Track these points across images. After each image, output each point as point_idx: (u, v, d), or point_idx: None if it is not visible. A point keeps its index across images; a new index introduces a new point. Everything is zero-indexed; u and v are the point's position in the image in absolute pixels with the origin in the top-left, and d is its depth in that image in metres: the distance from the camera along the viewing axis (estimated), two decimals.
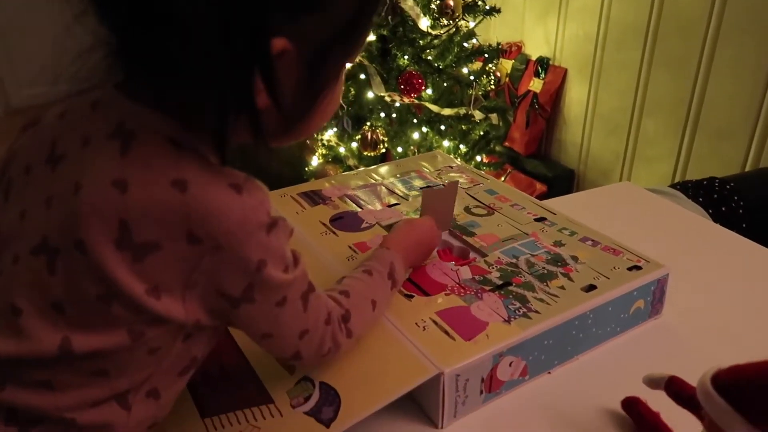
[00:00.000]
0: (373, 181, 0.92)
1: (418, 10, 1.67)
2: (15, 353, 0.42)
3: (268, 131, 0.44)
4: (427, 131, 1.87)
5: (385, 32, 1.74)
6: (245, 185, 0.42)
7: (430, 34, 1.69)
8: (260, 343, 0.50)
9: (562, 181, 2.00)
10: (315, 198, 0.86)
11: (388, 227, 0.79)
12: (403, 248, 0.66)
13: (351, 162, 1.88)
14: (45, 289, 0.42)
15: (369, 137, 1.75)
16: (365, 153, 1.79)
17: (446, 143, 1.86)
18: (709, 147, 1.55)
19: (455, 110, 1.83)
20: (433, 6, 1.66)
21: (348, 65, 0.54)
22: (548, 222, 0.79)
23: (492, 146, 1.97)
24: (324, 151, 1.94)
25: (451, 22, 1.68)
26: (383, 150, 1.79)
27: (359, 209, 0.83)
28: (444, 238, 0.76)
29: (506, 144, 2.17)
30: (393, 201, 0.85)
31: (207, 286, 0.43)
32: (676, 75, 1.59)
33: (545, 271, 0.68)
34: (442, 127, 1.89)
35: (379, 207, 0.83)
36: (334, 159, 1.92)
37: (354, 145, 1.88)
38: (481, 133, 1.95)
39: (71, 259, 0.41)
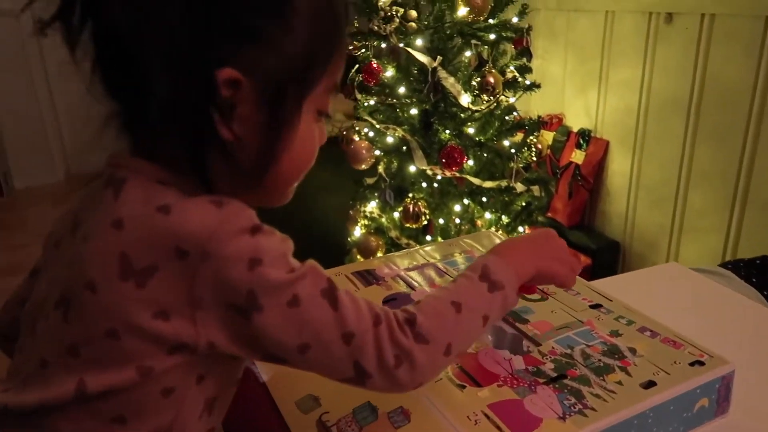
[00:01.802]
0: (425, 261, 0.92)
1: (459, 87, 1.71)
2: (38, 401, 0.45)
3: (245, 168, 0.47)
4: (469, 203, 1.88)
5: (427, 107, 1.79)
6: (225, 200, 0.45)
7: (470, 109, 1.73)
8: (306, 362, 0.46)
9: (606, 252, 1.97)
10: (368, 278, 0.87)
11: None
12: (505, 248, 0.59)
13: (393, 233, 1.89)
14: (62, 336, 0.46)
15: (411, 209, 1.77)
16: (407, 225, 1.80)
17: (488, 215, 1.86)
18: (761, 221, 1.52)
19: (497, 183, 1.84)
20: (473, 83, 1.70)
21: (322, 110, 0.51)
22: (604, 309, 0.78)
23: (534, 217, 1.96)
24: (366, 222, 1.96)
25: (491, 98, 1.72)
26: (425, 222, 1.80)
27: (412, 291, 0.83)
28: (497, 325, 0.75)
29: (549, 215, 2.16)
30: (445, 281, 0.85)
31: (214, 301, 0.43)
32: (721, 147, 1.57)
33: (602, 364, 0.67)
34: (484, 199, 1.90)
35: (432, 288, 0.83)
36: (376, 230, 1.94)
37: (396, 215, 1.90)
38: (523, 204, 1.95)
39: (83, 301, 0.45)
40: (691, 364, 0.66)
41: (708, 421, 0.67)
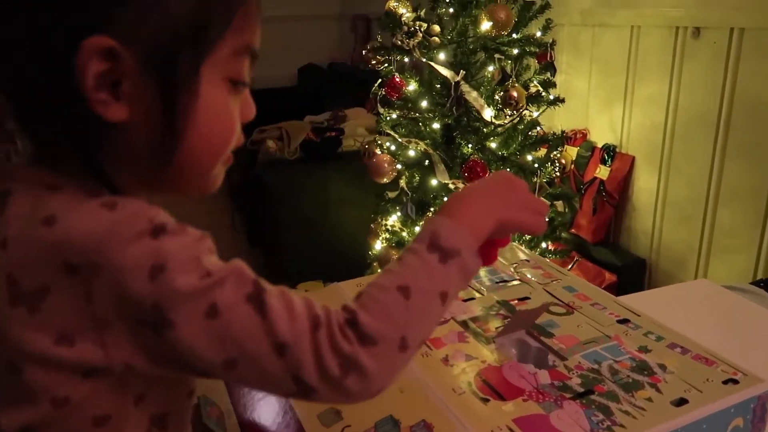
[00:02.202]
0: None
1: (482, 101, 1.71)
2: None
3: (146, 153, 0.42)
4: None
5: (449, 121, 1.79)
6: (121, 201, 0.39)
7: (493, 123, 1.72)
8: (238, 378, 0.40)
9: (632, 270, 1.93)
10: None
11: (463, 323, 0.77)
12: (455, 205, 0.50)
13: None
14: None
15: None
16: None
17: None
18: None
19: None
20: (497, 97, 1.70)
21: (235, 78, 0.44)
22: (632, 324, 0.76)
23: (558, 233, 1.93)
24: (387, 236, 1.96)
25: (515, 112, 1.71)
26: None
27: None
28: (521, 338, 0.74)
29: (572, 231, 2.13)
30: (472, 294, 0.84)
31: (120, 320, 0.38)
32: (751, 164, 1.54)
33: (630, 380, 0.65)
34: None
35: (454, 301, 0.82)
36: (397, 243, 1.93)
37: (417, 230, 1.89)
38: (546, 219, 1.93)
39: None
40: (725, 382, 0.64)
41: None
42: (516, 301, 0.83)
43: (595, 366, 0.67)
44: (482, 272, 0.92)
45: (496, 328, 0.76)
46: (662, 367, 0.67)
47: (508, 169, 1.85)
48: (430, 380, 0.66)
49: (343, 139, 2.57)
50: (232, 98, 0.45)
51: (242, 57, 0.44)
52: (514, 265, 0.95)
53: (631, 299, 0.93)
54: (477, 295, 0.84)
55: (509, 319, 0.78)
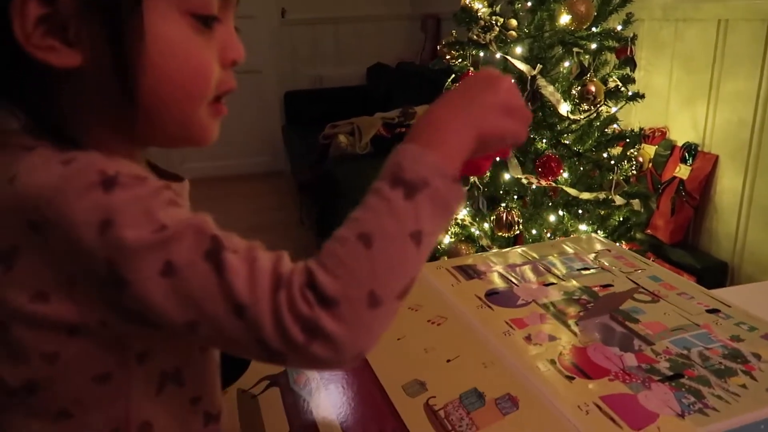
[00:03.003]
0: (529, 259, 0.92)
1: (558, 95, 1.69)
2: None
3: (109, 97, 0.40)
4: (564, 215, 1.84)
5: None
6: (79, 156, 0.38)
7: (569, 118, 1.70)
8: (204, 341, 0.39)
9: (712, 273, 1.85)
10: (470, 272, 0.87)
11: (544, 306, 0.78)
12: (424, 124, 0.44)
13: (484, 242, 1.88)
14: None
15: (504, 218, 1.75)
16: (499, 234, 1.79)
17: (583, 227, 1.81)
18: None
19: (594, 194, 1.79)
20: (574, 92, 1.67)
21: (197, 11, 0.41)
22: (722, 315, 0.74)
23: (633, 233, 1.88)
24: (457, 230, 1.96)
25: (592, 107, 1.68)
26: (517, 231, 1.78)
27: (515, 285, 0.83)
28: (605, 322, 0.73)
29: (648, 231, 2.06)
30: (551, 280, 0.84)
31: (83, 275, 0.37)
32: None
33: (722, 367, 0.64)
34: (579, 211, 1.85)
35: (535, 285, 0.83)
36: (467, 238, 1.93)
37: (486, 225, 1.89)
38: (621, 218, 1.88)
39: None
40: None
41: None
42: (598, 288, 0.82)
43: (684, 351, 0.66)
44: (560, 259, 0.92)
45: (579, 311, 0.76)
46: (756, 356, 0.65)
47: (582, 165, 1.82)
48: (513, 357, 0.67)
49: None
50: (199, 35, 0.42)
51: None
52: (594, 254, 0.94)
53: (717, 292, 0.91)
54: (558, 281, 0.84)
55: (593, 303, 0.77)
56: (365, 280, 0.37)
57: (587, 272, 0.87)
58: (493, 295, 0.81)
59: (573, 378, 0.63)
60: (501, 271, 0.88)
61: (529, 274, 0.87)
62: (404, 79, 3.76)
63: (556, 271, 0.87)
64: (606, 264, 0.89)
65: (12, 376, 0.40)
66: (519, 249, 0.96)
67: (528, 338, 0.70)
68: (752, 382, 0.61)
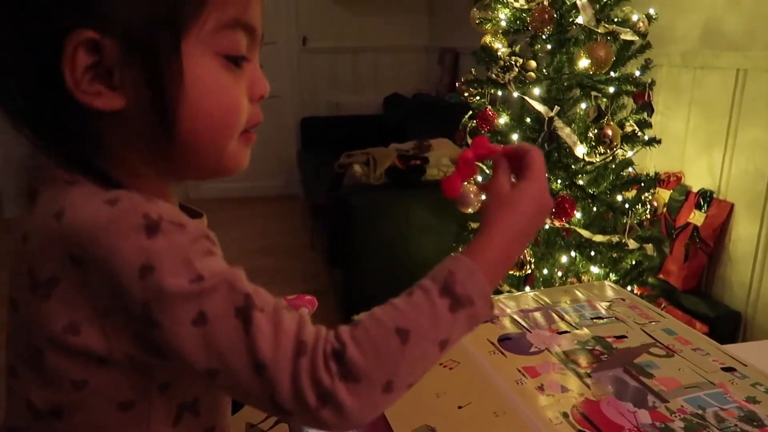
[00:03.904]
0: (542, 305, 0.91)
1: (575, 137, 1.70)
2: (5, 426, 0.45)
3: (149, 136, 0.42)
4: (576, 256, 1.83)
5: None
6: (122, 197, 0.40)
7: (584, 160, 1.70)
8: (219, 388, 0.42)
9: (726, 322, 1.83)
10: None
11: (557, 354, 0.77)
12: (485, 238, 0.47)
13: None
14: (7, 357, 0.45)
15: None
16: (511, 272, 1.78)
17: (595, 269, 1.80)
18: None
19: (608, 237, 1.78)
20: (590, 135, 1.68)
21: (229, 53, 0.44)
22: (738, 374, 0.73)
23: (645, 277, 1.87)
24: None
25: (608, 151, 1.68)
26: (529, 271, 1.77)
27: (528, 332, 0.82)
28: (619, 376, 0.73)
29: (660, 276, 2.05)
30: (563, 327, 0.84)
31: (116, 310, 0.39)
32: None
33: (738, 430, 0.62)
34: (592, 253, 1.84)
35: (547, 332, 0.82)
36: None
37: None
38: (634, 262, 1.87)
39: (12, 321, 0.44)
40: None
41: None
42: (612, 339, 0.82)
43: (699, 411, 0.65)
44: (572, 306, 0.92)
45: (592, 362, 0.75)
46: None
47: (596, 207, 1.81)
48: (525, 407, 0.66)
49: (427, 168, 2.61)
50: (230, 74, 0.44)
51: (232, 31, 0.44)
52: (607, 303, 0.93)
53: (733, 348, 0.90)
54: (572, 329, 0.84)
55: (606, 356, 0.77)
56: (390, 369, 0.40)
57: (600, 321, 0.87)
58: (505, 341, 0.80)
59: None
60: (514, 315, 0.88)
61: (542, 321, 0.86)
62: (420, 111, 3.80)
63: (569, 319, 0.87)
64: (620, 314, 0.89)
65: (41, 400, 0.43)
66: (531, 293, 0.96)
67: (540, 388, 0.70)
68: None
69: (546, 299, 0.93)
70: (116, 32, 0.40)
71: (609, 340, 0.81)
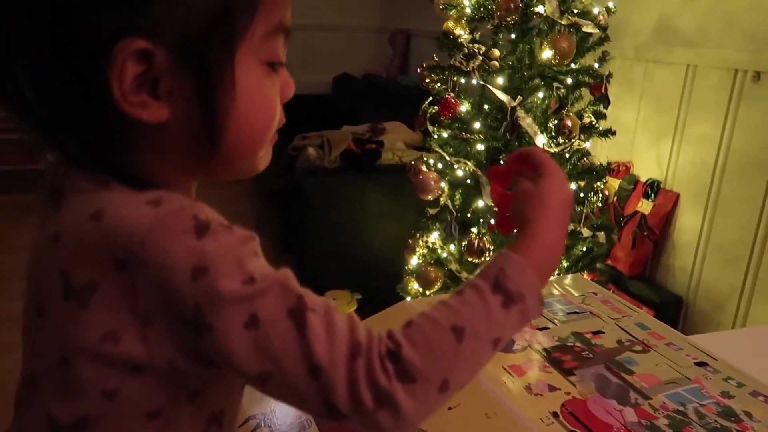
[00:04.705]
0: None
1: (536, 127, 1.72)
2: None
3: (192, 147, 0.41)
4: None
5: (497, 145, 1.80)
6: (165, 198, 0.39)
7: (546, 151, 1.73)
8: (271, 393, 0.40)
9: (669, 307, 1.92)
10: None
11: (540, 352, 0.78)
12: (531, 237, 0.47)
13: (453, 266, 1.89)
14: (25, 367, 0.43)
15: (476, 244, 1.76)
16: (470, 259, 1.80)
17: None
18: None
19: None
20: (550, 125, 1.70)
21: (272, 60, 0.43)
22: (710, 368, 0.76)
23: (594, 264, 1.93)
24: (425, 252, 1.97)
25: (567, 141, 1.72)
26: (488, 258, 1.79)
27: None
28: (601, 373, 0.74)
29: (608, 262, 2.13)
30: (543, 324, 0.85)
31: (162, 316, 0.37)
32: None
33: (719, 426, 0.65)
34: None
35: (528, 329, 0.83)
36: (435, 261, 1.93)
37: (452, 247, 1.90)
38: (584, 249, 1.93)
39: (35, 328, 0.41)
40: None
41: None
42: (590, 335, 0.83)
43: (681, 408, 0.68)
44: (549, 302, 0.93)
45: (574, 359, 0.77)
46: (748, 414, 0.67)
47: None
48: (516, 407, 0.67)
49: (382, 152, 2.59)
50: (270, 80, 0.43)
51: (276, 37, 0.43)
52: (581, 296, 0.95)
53: (700, 339, 0.94)
54: (550, 324, 0.85)
55: (587, 352, 0.78)
56: (446, 368, 0.40)
57: (576, 316, 0.88)
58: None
59: None
60: None
61: None
62: (371, 92, 3.76)
63: (547, 314, 0.88)
64: (594, 308, 0.91)
65: (64, 413, 0.40)
66: None
67: (528, 388, 0.70)
68: None
69: None
70: (169, 41, 0.38)
71: (587, 336, 0.82)
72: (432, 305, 0.42)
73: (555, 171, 0.50)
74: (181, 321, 0.37)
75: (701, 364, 0.77)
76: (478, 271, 0.46)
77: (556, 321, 0.86)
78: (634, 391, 0.71)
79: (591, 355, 0.77)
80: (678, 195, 1.94)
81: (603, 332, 0.84)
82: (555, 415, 0.66)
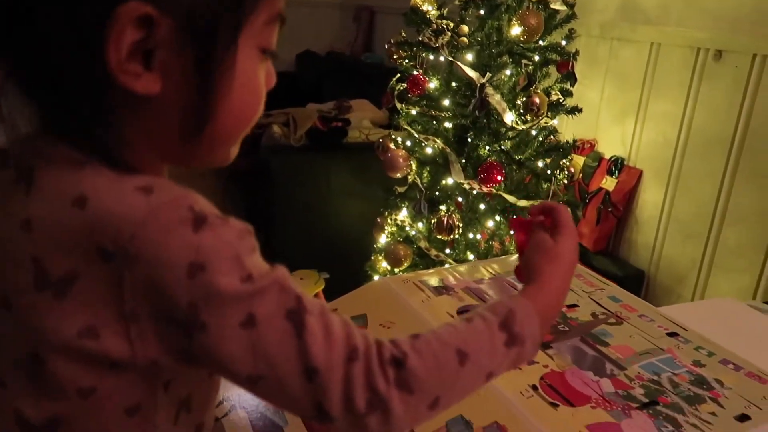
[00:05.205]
0: (493, 274, 0.92)
1: (504, 104, 1.72)
2: None
3: (176, 128, 0.39)
4: (500, 220, 1.88)
5: (465, 122, 1.79)
6: (156, 186, 0.36)
7: (514, 128, 1.74)
8: (258, 393, 0.38)
9: (631, 281, 1.97)
10: (439, 288, 0.86)
11: None
12: (541, 287, 0.49)
13: (422, 244, 1.89)
14: None
15: (445, 222, 1.76)
16: (439, 236, 1.80)
17: None
18: None
19: (531, 202, 1.84)
20: (519, 102, 1.71)
21: (266, 47, 0.42)
22: (682, 339, 0.78)
23: None
24: (394, 230, 1.96)
25: (535, 118, 1.72)
26: (457, 235, 1.80)
27: (484, 302, 0.83)
28: (576, 345, 0.75)
29: None
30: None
31: (149, 314, 0.35)
32: (762, 188, 1.59)
33: (692, 393, 0.67)
34: (515, 218, 1.90)
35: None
36: (405, 239, 1.93)
37: (421, 225, 1.90)
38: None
39: (1, 322, 0.38)
40: None
41: None
42: (565, 308, 0.84)
43: (655, 377, 0.69)
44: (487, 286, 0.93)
45: (550, 333, 0.77)
46: (719, 382, 0.69)
47: (519, 173, 1.87)
48: (496, 381, 0.67)
49: (349, 130, 2.56)
50: (261, 68, 0.43)
51: (274, 24, 0.42)
52: None
53: (669, 311, 0.96)
54: None
55: (562, 326, 0.79)
56: (443, 387, 0.41)
57: None
58: (464, 313, 0.80)
59: (557, 405, 0.64)
60: (469, 286, 0.88)
61: (497, 291, 0.87)
62: (335, 70, 3.70)
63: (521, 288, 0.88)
64: None
65: (35, 412, 0.37)
66: (481, 264, 0.97)
67: None
68: (720, 409, 0.64)
69: (496, 269, 0.94)
70: (177, 13, 0.36)
71: (563, 309, 0.83)
72: (440, 326, 0.44)
73: (573, 233, 0.53)
74: (170, 319, 0.35)
75: (672, 334, 0.79)
76: (487, 304, 0.48)
77: None
78: (609, 362, 0.72)
79: (567, 329, 0.78)
80: (641, 172, 1.98)
81: (577, 306, 0.85)
82: (534, 387, 0.66)
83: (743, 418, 0.63)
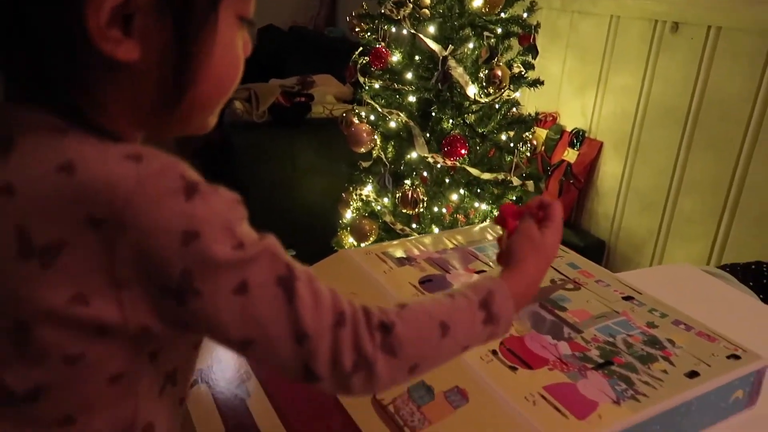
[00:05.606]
0: (455, 245, 0.93)
1: (467, 77, 1.72)
2: None
3: (154, 95, 0.39)
4: (464, 193, 1.90)
5: (429, 96, 1.79)
6: (145, 154, 0.36)
7: (477, 101, 1.74)
8: (249, 356, 0.40)
9: (592, 251, 2.02)
10: (401, 259, 0.87)
11: None
12: (519, 271, 0.52)
13: (387, 218, 1.89)
14: None
15: (410, 196, 1.77)
16: (404, 210, 1.81)
17: (484, 206, 1.88)
18: (748, 231, 1.59)
19: (494, 175, 1.86)
20: (481, 75, 1.71)
21: (244, 15, 0.42)
22: (636, 302, 0.80)
23: None
24: (359, 205, 1.96)
25: (497, 91, 1.73)
26: (422, 209, 1.81)
27: (447, 273, 0.84)
28: (535, 311, 0.76)
29: None
30: (480, 267, 0.86)
31: (141, 281, 0.36)
32: (716, 158, 1.63)
33: (645, 353, 0.69)
34: (479, 191, 1.92)
35: (466, 272, 0.84)
36: (370, 214, 1.93)
37: (386, 200, 1.90)
38: (514, 198, 1.98)
39: None
40: (728, 358, 0.69)
41: (739, 412, 0.70)
42: None
43: (610, 339, 0.71)
44: (485, 246, 0.95)
45: None
46: (671, 342, 0.71)
47: (482, 146, 1.88)
48: None
49: (312, 105, 2.53)
50: (239, 36, 0.43)
51: None
52: None
53: (626, 276, 0.98)
54: (486, 268, 0.87)
55: None
56: (423, 355, 0.44)
57: None
58: (427, 283, 0.81)
59: (516, 368, 0.65)
60: (431, 257, 0.88)
61: (459, 261, 0.88)
62: (298, 44, 3.64)
63: (483, 258, 0.89)
64: None
65: (18, 380, 0.38)
66: (444, 235, 0.98)
67: None
68: (671, 367, 0.67)
69: (459, 239, 0.95)
70: None
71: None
72: (425, 298, 0.47)
73: (560, 230, 0.56)
74: (162, 285, 0.36)
75: (628, 298, 0.81)
76: (469, 282, 0.50)
77: (491, 264, 0.87)
78: (567, 326, 0.74)
79: None
80: (601, 144, 2.02)
81: None
82: (494, 353, 0.67)
83: (693, 374, 0.66)
